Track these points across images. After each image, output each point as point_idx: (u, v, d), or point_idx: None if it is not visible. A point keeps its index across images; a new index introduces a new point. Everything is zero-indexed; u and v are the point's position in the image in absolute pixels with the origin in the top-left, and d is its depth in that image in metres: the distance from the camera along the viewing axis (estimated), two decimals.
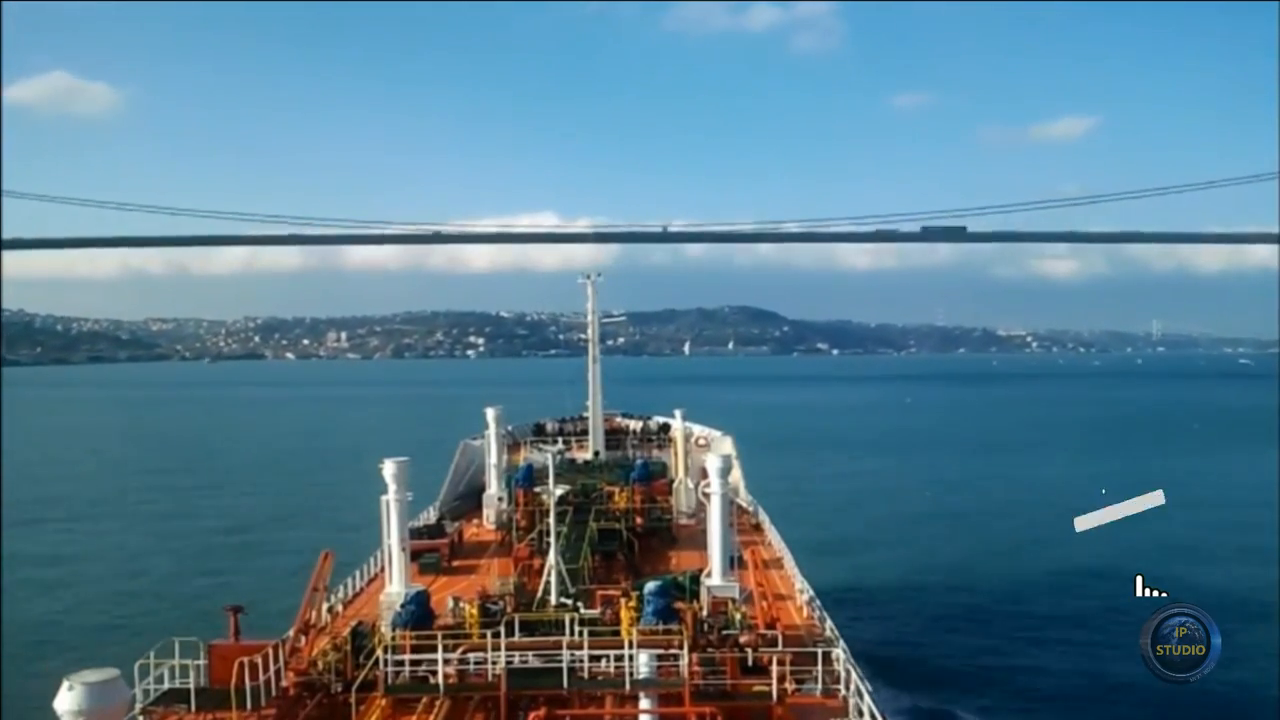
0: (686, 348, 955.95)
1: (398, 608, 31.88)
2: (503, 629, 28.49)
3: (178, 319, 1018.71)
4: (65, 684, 22.05)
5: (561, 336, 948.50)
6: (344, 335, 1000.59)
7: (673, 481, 57.70)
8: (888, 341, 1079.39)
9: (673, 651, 26.67)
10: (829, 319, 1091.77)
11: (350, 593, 40.74)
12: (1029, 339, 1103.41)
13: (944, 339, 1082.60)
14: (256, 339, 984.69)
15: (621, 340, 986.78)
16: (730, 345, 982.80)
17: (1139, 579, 21.66)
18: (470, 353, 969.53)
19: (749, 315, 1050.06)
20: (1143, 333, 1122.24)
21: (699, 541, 44.27)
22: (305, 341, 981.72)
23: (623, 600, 31.37)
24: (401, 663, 26.94)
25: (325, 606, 36.26)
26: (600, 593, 34.84)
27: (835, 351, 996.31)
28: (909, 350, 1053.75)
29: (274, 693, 26.04)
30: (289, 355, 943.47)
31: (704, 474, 38.85)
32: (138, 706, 24.95)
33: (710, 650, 28.20)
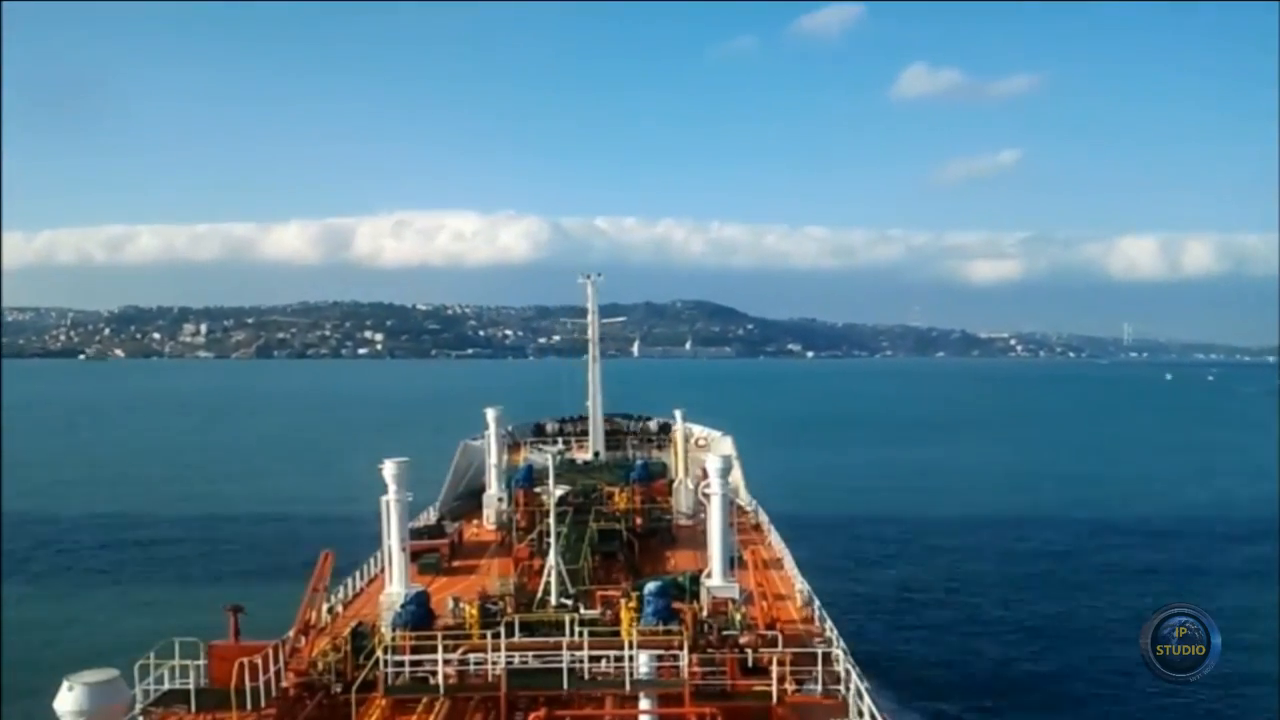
0: (635, 348, 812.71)
1: (398, 608, 31.88)
2: (503, 629, 28.48)
3: (39, 308, 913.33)
4: (65, 684, 22.06)
5: (482, 333, 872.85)
6: (203, 328, 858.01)
7: (673, 482, 57.70)
8: (858, 343, 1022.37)
9: (673, 652, 26.66)
10: (791, 317, 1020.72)
11: (350, 593, 40.72)
12: (1013, 342, 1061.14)
13: (920, 341, 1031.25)
14: (106, 331, 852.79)
15: (557, 339, 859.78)
16: (688, 345, 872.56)
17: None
18: (364, 351, 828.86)
19: (706, 311, 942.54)
20: (1111, 337, 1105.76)
21: (699, 541, 44.26)
22: (156, 336, 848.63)
23: (623, 601, 31.37)
24: (401, 663, 26.93)
25: (325, 607, 36.27)
26: (600, 593, 34.82)
27: (810, 354, 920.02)
28: (884, 353, 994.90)
29: (274, 693, 26.02)
30: (118, 353, 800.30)
31: (704, 474, 38.86)
32: (138, 707, 24.94)
33: (710, 650, 28.20)
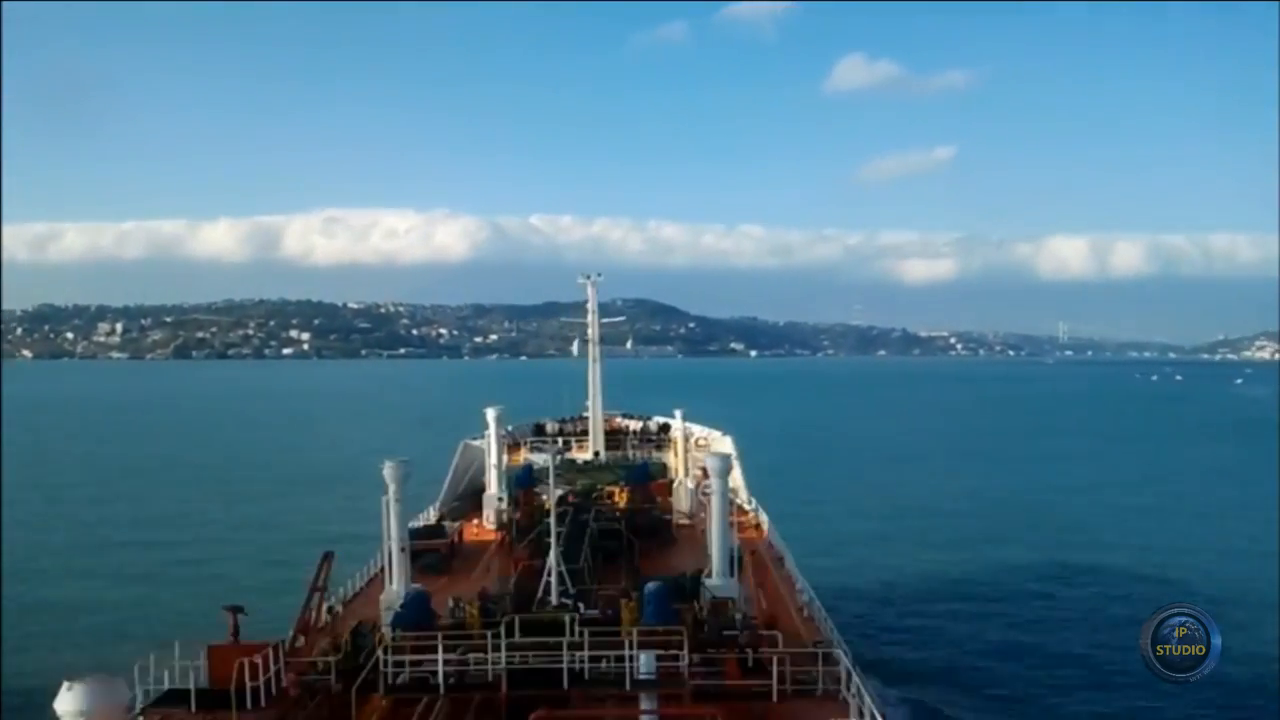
0: (575, 347, 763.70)
1: (398, 608, 31.88)
2: (503, 629, 28.48)
3: None
4: (65, 684, 22.03)
5: (416, 332, 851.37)
6: (118, 327, 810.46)
7: (673, 481, 57.74)
8: (800, 341, 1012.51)
9: (673, 651, 26.66)
10: (733, 315, 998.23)
11: (350, 593, 40.72)
12: (953, 340, 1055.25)
13: (861, 339, 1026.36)
14: (19, 331, 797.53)
15: (495, 338, 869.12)
16: (629, 344, 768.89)
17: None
18: (289, 351, 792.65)
19: (648, 310, 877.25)
20: (1046, 335, 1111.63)
21: (699, 541, 44.28)
22: (70, 336, 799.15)
23: (623, 600, 31.35)
24: (401, 663, 26.93)
25: (325, 606, 36.26)
26: (600, 593, 34.82)
27: (753, 353, 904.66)
28: (826, 352, 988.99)
29: (274, 693, 26.02)
30: (25, 354, 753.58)
31: (704, 474, 38.82)
32: (138, 707, 24.93)
33: (710, 650, 28.19)
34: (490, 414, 58.41)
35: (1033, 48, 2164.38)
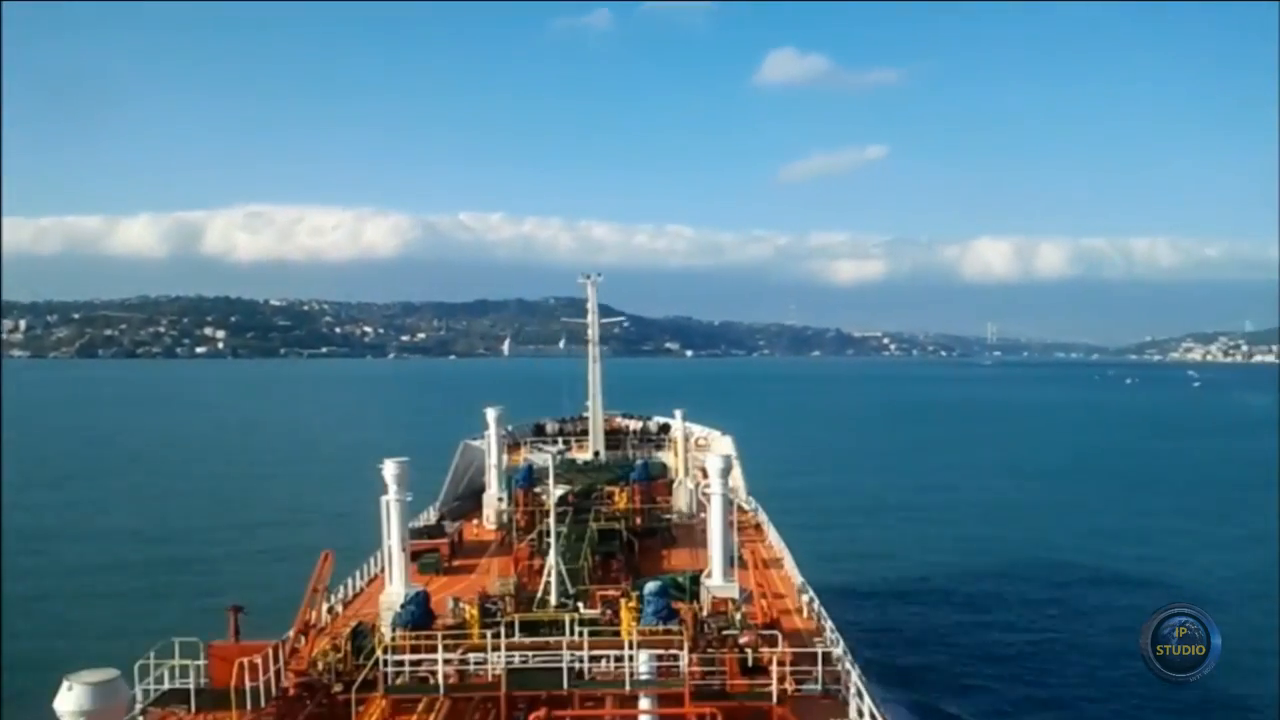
0: (506, 346, 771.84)
1: (398, 608, 31.91)
2: (503, 629, 28.47)
3: None
4: (65, 684, 22.04)
5: (339, 330, 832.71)
6: (22, 324, 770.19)
7: (673, 481, 57.75)
8: (735, 341, 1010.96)
9: (673, 651, 26.66)
10: (666, 315, 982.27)
11: (350, 593, 40.76)
12: (886, 340, 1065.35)
13: (796, 340, 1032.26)
14: None
15: (423, 336, 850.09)
16: (562, 344, 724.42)
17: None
18: (202, 349, 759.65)
19: (580, 308, 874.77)
20: (975, 336, 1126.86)
21: (699, 541, 44.34)
22: None
23: (623, 600, 31.37)
24: (401, 663, 26.95)
25: (325, 606, 36.26)
26: (600, 593, 34.83)
27: (689, 353, 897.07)
28: (761, 352, 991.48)
29: (274, 693, 26.02)
30: None
31: (704, 474, 38.82)
32: (138, 706, 24.95)
33: (710, 650, 28.19)
34: (490, 414, 58.40)
35: (960, 48, 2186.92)
